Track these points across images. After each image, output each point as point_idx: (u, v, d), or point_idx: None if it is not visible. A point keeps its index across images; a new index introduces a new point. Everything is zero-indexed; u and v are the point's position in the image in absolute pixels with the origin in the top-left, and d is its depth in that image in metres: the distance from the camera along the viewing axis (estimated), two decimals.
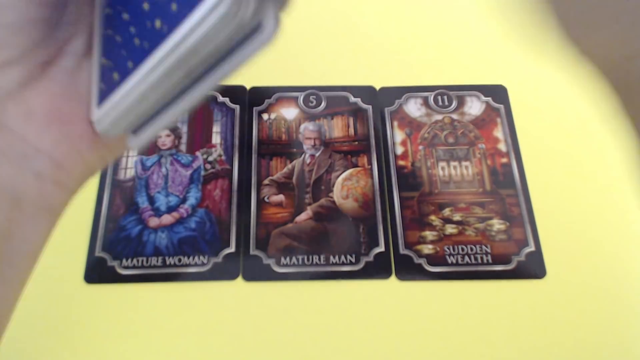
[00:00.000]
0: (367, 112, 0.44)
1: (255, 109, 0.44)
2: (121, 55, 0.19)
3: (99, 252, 0.38)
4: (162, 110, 0.20)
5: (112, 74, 0.19)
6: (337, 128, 0.44)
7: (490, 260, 0.38)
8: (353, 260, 0.38)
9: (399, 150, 0.43)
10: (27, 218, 0.21)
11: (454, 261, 0.38)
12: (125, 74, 0.19)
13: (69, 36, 0.21)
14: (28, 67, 0.20)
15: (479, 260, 0.38)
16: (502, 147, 0.43)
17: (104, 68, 0.20)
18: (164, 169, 0.41)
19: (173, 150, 0.42)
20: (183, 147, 0.42)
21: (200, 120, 0.44)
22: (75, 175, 0.22)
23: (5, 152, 0.20)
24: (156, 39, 0.17)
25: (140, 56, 0.18)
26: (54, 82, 0.21)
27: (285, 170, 0.42)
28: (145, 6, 0.18)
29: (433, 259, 0.38)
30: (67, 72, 0.21)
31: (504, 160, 0.42)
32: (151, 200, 0.40)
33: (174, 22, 0.16)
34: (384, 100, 0.45)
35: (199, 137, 0.43)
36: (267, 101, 0.44)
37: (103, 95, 0.20)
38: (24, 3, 0.19)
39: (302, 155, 0.42)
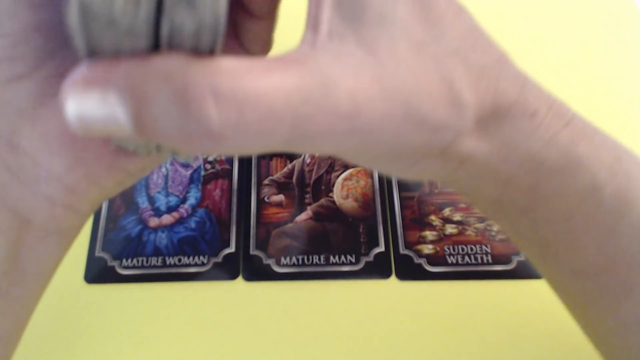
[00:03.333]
0: None
1: None
2: None
3: (99, 252, 0.38)
4: None
5: None
6: None
7: (490, 260, 0.38)
8: (353, 260, 0.38)
9: None
10: (37, 240, 0.21)
11: (454, 261, 0.38)
12: None
13: None
14: (40, 82, 0.19)
15: (479, 260, 0.38)
16: None
17: None
18: (163, 169, 0.41)
19: None
20: None
21: None
22: (89, 200, 0.21)
23: (17, 173, 0.19)
24: None
25: None
26: None
27: (285, 170, 0.42)
28: None
29: (433, 259, 0.38)
30: None
31: None
32: (151, 200, 0.40)
33: None
34: None
35: None
36: None
37: None
38: (24, 8, 0.18)
39: (302, 155, 0.42)
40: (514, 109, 0.19)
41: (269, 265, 0.38)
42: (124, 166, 0.21)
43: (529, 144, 0.20)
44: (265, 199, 0.40)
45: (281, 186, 0.41)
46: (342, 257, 0.38)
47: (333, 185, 0.41)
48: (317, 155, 0.19)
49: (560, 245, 0.22)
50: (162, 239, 0.39)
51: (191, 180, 0.41)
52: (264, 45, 0.22)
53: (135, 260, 0.38)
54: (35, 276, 0.22)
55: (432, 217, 0.40)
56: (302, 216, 0.40)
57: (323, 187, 0.41)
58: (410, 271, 0.38)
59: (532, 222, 0.22)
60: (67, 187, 0.20)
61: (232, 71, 0.15)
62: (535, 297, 0.37)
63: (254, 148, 0.16)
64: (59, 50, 0.19)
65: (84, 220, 0.22)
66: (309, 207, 0.40)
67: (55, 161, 0.19)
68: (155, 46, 0.15)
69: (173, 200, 0.40)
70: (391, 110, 0.17)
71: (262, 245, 0.39)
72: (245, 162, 0.42)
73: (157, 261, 0.38)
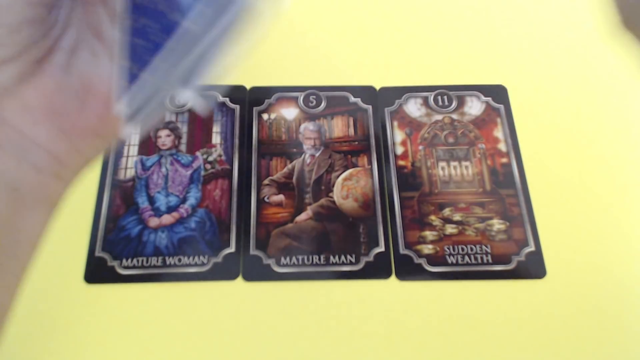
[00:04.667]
0: (367, 112, 0.44)
1: (255, 109, 0.44)
2: (142, 54, 0.20)
3: (99, 252, 0.38)
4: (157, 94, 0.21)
5: (133, 70, 0.21)
6: (337, 128, 0.44)
7: (490, 260, 0.38)
8: (353, 260, 0.38)
9: (399, 150, 0.43)
10: (27, 209, 0.22)
11: (454, 261, 0.38)
12: (144, 65, 0.20)
13: (60, 33, 0.22)
14: (24, 64, 0.21)
15: (479, 260, 0.38)
16: (502, 147, 0.43)
17: (125, 67, 0.21)
18: (164, 169, 0.41)
19: (173, 151, 0.42)
20: (183, 147, 0.42)
21: (200, 120, 0.44)
22: (72, 167, 0.23)
23: (4, 145, 0.21)
24: (171, 28, 0.19)
25: (157, 48, 0.19)
26: (47, 78, 0.22)
27: (285, 170, 0.42)
28: (161, 7, 0.19)
29: (433, 259, 0.38)
30: (60, 67, 0.22)
31: (504, 160, 0.42)
32: (151, 200, 0.40)
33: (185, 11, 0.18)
34: (384, 100, 0.45)
35: (199, 137, 0.43)
36: (267, 101, 0.44)
37: (126, 88, 0.21)
38: (22, 4, 0.20)
39: (302, 155, 0.42)
40: None
41: (269, 265, 0.38)
42: (98, 131, 0.23)
43: None
44: (265, 199, 0.40)
45: (281, 186, 0.41)
46: (342, 257, 0.38)
47: (333, 185, 0.41)
48: None
49: None
50: (162, 239, 0.39)
51: (191, 180, 0.41)
52: None
53: (135, 260, 0.38)
54: (28, 246, 0.23)
55: (432, 217, 0.40)
56: (302, 216, 0.40)
57: (323, 187, 0.41)
58: (410, 271, 0.38)
59: None
60: (51, 155, 0.22)
61: None
62: (535, 297, 0.37)
63: None
64: (40, 38, 0.21)
65: (67, 188, 0.24)
66: (309, 207, 0.40)
67: (39, 131, 0.21)
68: None
69: (173, 200, 0.40)
70: None
71: (262, 245, 0.39)
72: (245, 162, 0.42)
73: (157, 261, 0.38)
